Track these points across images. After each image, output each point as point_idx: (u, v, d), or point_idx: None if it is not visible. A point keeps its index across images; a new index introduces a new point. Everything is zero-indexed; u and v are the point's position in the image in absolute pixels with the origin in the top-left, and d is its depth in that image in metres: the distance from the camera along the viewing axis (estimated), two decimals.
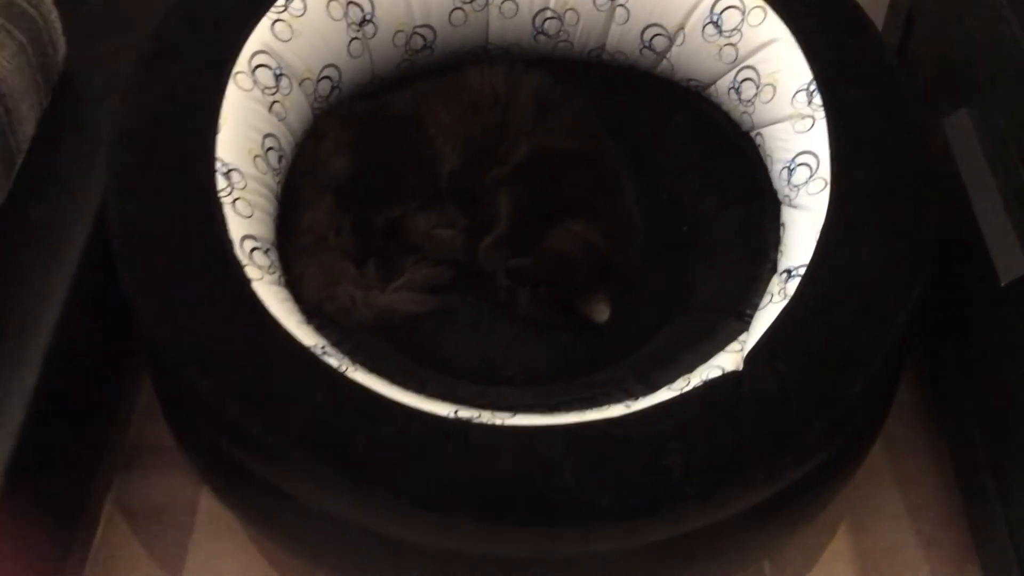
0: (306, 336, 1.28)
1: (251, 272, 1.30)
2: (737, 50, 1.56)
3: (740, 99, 1.59)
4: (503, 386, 1.39)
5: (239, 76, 1.42)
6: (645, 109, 1.72)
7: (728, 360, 1.29)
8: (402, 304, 1.47)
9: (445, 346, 1.46)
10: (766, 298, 1.39)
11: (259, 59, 1.45)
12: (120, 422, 1.67)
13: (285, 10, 1.48)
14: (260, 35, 1.46)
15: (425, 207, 1.58)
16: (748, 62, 1.56)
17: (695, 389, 1.25)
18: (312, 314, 1.38)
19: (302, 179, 1.51)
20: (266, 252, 1.36)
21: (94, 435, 1.57)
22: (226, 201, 1.33)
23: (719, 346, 1.34)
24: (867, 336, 1.28)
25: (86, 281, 1.42)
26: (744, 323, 1.38)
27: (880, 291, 1.30)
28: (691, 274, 1.55)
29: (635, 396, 1.28)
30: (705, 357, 1.32)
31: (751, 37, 1.54)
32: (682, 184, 1.65)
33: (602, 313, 1.50)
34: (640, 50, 1.68)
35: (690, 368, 1.31)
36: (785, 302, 1.31)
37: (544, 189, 1.51)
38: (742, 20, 1.54)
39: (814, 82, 1.45)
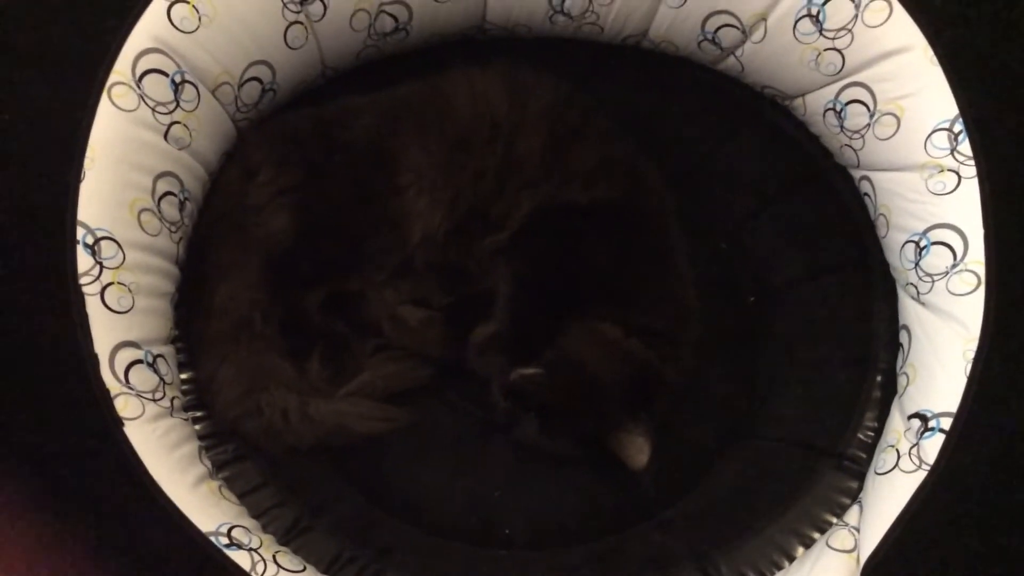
0: (206, 510, 0.99)
1: (124, 406, 0.98)
2: (844, 58, 1.15)
3: (843, 126, 1.20)
4: (497, 549, 1.11)
5: (116, 89, 1.03)
6: (697, 118, 1.32)
7: (836, 567, 0.94)
8: (356, 420, 1.13)
9: (417, 482, 1.15)
10: (887, 454, 1.04)
11: (149, 60, 1.06)
12: None
13: None
14: (150, 25, 1.05)
15: (392, 280, 1.17)
16: (859, 77, 1.15)
17: None
18: (228, 436, 1.09)
19: (219, 231, 1.15)
20: (153, 363, 1.04)
21: None
22: (91, 292, 0.99)
23: (814, 520, 1.04)
24: None
25: None
26: (847, 475, 1.07)
27: None
28: (761, 377, 1.19)
29: None
30: (791, 536, 1.03)
31: (867, 42, 1.12)
32: (749, 231, 1.27)
33: (639, 455, 1.05)
34: (699, 43, 1.26)
35: (775, 559, 1.02)
36: (923, 473, 0.96)
37: (560, 264, 1.11)
38: (856, 17, 1.11)
39: (961, 120, 1.05)
